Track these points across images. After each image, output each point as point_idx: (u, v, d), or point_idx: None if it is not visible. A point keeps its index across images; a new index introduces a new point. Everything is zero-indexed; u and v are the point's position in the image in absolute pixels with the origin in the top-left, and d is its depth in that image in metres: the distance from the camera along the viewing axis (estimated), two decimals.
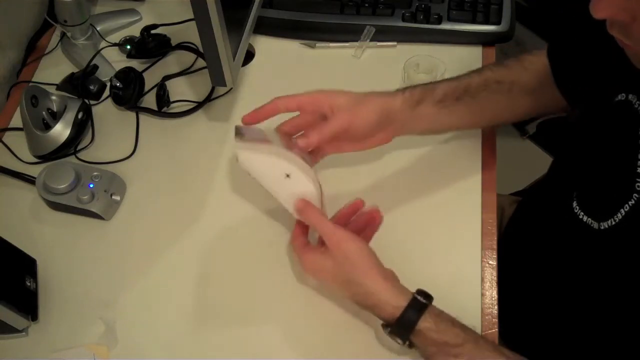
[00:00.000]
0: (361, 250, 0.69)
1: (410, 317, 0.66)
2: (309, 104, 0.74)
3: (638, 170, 0.63)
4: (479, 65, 1.00)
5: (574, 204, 0.71)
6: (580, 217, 0.70)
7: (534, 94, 0.82)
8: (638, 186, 0.62)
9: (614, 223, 0.64)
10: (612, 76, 0.71)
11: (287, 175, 0.71)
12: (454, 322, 0.67)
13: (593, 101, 0.75)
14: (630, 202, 0.63)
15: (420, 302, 0.67)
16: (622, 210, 0.63)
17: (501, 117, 0.85)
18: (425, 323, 0.66)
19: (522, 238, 0.90)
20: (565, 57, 0.82)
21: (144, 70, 1.01)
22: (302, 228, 0.75)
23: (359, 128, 0.73)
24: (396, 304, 0.67)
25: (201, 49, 0.84)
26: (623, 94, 0.68)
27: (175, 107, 0.98)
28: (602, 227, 0.66)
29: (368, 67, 1.02)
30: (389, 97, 0.76)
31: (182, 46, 1.05)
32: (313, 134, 0.71)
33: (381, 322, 0.69)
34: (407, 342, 0.68)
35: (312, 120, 0.75)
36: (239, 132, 0.73)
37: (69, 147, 0.92)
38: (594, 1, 0.53)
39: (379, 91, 0.77)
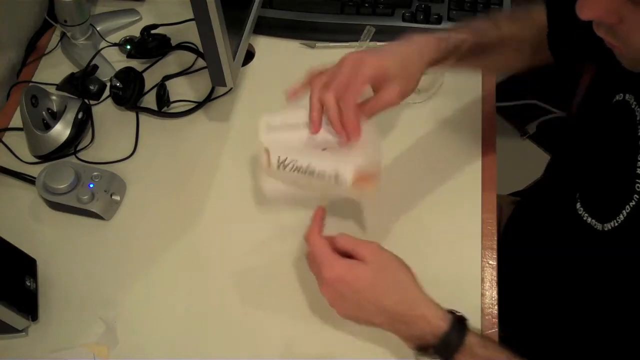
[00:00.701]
0: (398, 258, 0.67)
1: (458, 331, 0.63)
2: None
3: (638, 171, 0.63)
4: None
5: (578, 205, 0.71)
6: (584, 218, 0.69)
7: (537, 47, 0.82)
8: (638, 187, 0.62)
9: (616, 224, 0.64)
10: (610, 75, 0.71)
11: (324, 149, 0.70)
12: (493, 340, 0.65)
13: (592, 100, 0.75)
14: (631, 203, 0.63)
15: (459, 316, 0.65)
16: (624, 212, 0.63)
17: (508, 68, 0.88)
18: (471, 338, 0.63)
19: (522, 238, 0.91)
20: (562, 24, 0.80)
21: (144, 70, 1.01)
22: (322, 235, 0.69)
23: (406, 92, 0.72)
24: (443, 316, 0.63)
25: (201, 49, 0.84)
26: (621, 94, 0.68)
27: (175, 107, 0.98)
28: (606, 229, 0.66)
29: None
30: (424, 58, 0.73)
31: (182, 46, 1.05)
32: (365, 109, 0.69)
33: (414, 348, 0.65)
34: None
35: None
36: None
37: (69, 147, 0.92)
38: (580, 2, 0.53)
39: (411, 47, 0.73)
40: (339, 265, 0.64)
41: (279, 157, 0.70)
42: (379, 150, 0.72)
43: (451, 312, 0.66)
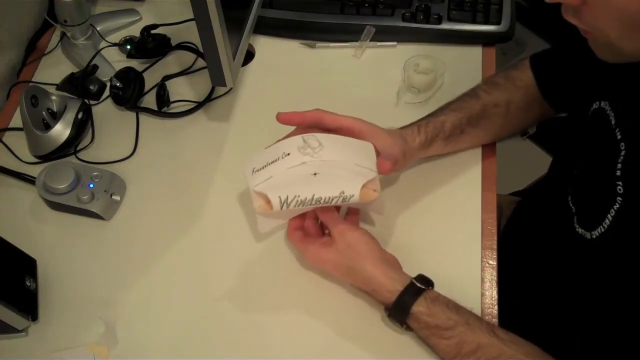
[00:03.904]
0: (362, 237, 0.73)
1: (404, 302, 0.70)
2: (349, 130, 0.76)
3: (618, 174, 0.63)
4: (478, 65, 1.00)
5: (573, 209, 0.72)
6: (577, 230, 0.70)
7: (529, 108, 0.86)
8: (619, 189, 0.63)
9: (603, 230, 0.65)
10: (587, 84, 0.72)
11: (315, 174, 0.72)
12: (448, 306, 0.69)
13: (574, 110, 0.76)
14: (615, 206, 0.63)
15: (417, 287, 0.70)
16: (609, 216, 0.64)
17: (499, 136, 0.90)
18: (418, 307, 0.69)
19: (522, 238, 0.91)
20: (549, 68, 0.84)
21: (144, 70, 1.01)
22: (297, 222, 0.78)
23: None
24: (392, 289, 0.70)
25: (201, 49, 0.84)
26: (597, 102, 0.69)
27: (175, 107, 0.98)
28: (594, 236, 0.66)
29: (368, 67, 1.02)
30: (410, 141, 0.80)
31: (182, 46, 1.05)
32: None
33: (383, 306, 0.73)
34: (404, 325, 0.71)
35: None
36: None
37: (69, 147, 0.93)
38: None
39: (400, 130, 0.81)
40: (309, 251, 0.76)
41: (280, 197, 0.71)
42: (370, 156, 0.74)
43: (415, 279, 0.71)
